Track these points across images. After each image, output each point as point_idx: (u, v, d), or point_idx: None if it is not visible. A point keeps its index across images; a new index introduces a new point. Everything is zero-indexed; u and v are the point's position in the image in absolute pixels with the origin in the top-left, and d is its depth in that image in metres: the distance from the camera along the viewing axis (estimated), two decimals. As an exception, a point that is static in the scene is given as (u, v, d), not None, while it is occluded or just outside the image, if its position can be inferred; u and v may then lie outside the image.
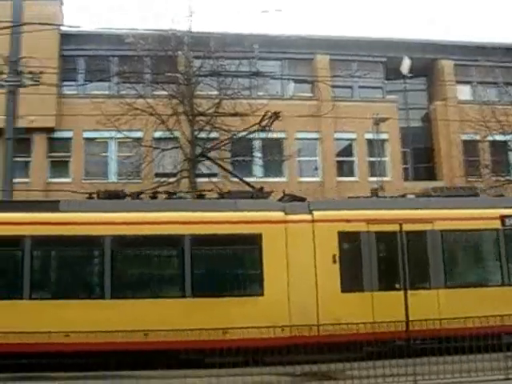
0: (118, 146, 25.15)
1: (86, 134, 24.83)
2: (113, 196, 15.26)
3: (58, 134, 24.84)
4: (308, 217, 14.90)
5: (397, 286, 14.98)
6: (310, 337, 13.52)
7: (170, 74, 23.38)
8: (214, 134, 23.64)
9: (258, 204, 15.19)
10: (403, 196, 17.00)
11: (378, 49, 27.64)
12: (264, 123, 18.45)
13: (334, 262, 14.74)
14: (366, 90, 27.98)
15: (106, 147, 25.26)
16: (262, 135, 24.91)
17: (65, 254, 14.41)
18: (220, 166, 20.38)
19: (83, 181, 23.61)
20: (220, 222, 14.52)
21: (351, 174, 27.03)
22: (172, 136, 23.09)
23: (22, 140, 22.29)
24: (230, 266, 15.09)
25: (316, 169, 26.75)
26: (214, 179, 23.38)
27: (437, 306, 14.67)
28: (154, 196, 15.73)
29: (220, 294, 14.17)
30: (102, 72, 24.84)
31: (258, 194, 15.95)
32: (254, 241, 14.62)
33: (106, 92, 25.20)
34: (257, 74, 22.68)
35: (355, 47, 27.47)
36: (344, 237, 14.96)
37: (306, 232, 14.75)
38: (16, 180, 20.53)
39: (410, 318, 14.23)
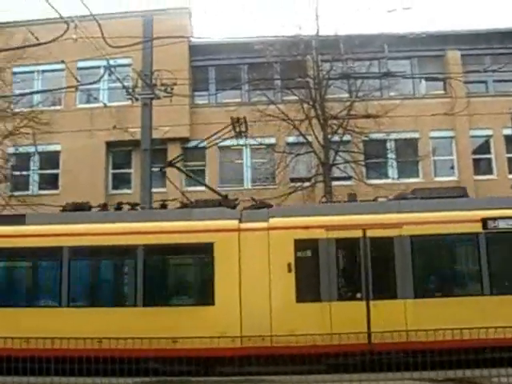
0: (251, 153, 25.51)
1: (221, 142, 25.29)
2: (78, 208, 15.59)
3: (192, 144, 25.56)
4: (263, 224, 14.41)
5: (358, 295, 14.06)
6: (263, 348, 13.14)
7: (299, 79, 23.42)
8: (346, 137, 23.48)
9: (213, 213, 14.81)
10: (375, 200, 15.74)
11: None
12: (237, 130, 17.92)
13: (290, 270, 14.15)
14: (502, 84, 26.74)
15: (240, 154, 25.68)
16: (393, 136, 24.81)
17: (30, 265, 15.01)
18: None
19: (219, 188, 24.10)
20: (173, 231, 14.45)
21: (489, 171, 25.91)
22: (305, 141, 23.13)
23: (158, 151, 23.17)
24: (182, 275, 15.29)
25: (452, 168, 25.89)
26: (349, 182, 23.29)
27: (404, 317, 13.67)
28: (118, 207, 15.80)
29: (171, 304, 14.21)
30: (233, 80, 25.35)
31: (224, 202, 15.61)
32: (207, 250, 14.36)
33: (238, 100, 25.63)
34: (388, 74, 22.26)
35: (487, 40, 26.36)
36: (301, 244, 14.26)
37: (261, 240, 14.26)
38: (154, 190, 21.33)
39: (373, 330, 13.44)
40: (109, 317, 13.82)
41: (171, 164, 18.14)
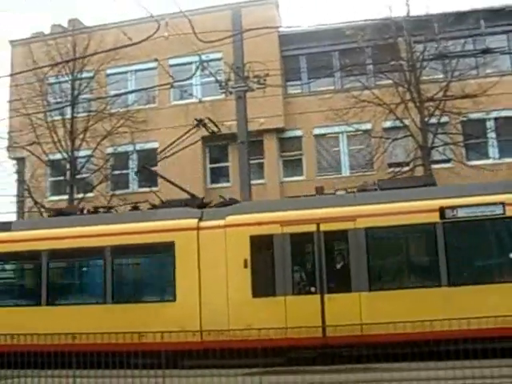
0: (348, 140, 25.19)
1: (316, 131, 25.19)
2: (60, 213, 17.09)
3: (287, 134, 25.48)
4: (221, 222, 14.71)
5: (312, 289, 14.05)
6: (221, 341, 13.47)
7: (393, 63, 22.96)
8: (444, 119, 22.84)
9: (175, 212, 15.34)
10: (334, 193, 15.69)
11: None
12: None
13: (246, 266, 14.38)
14: None
15: (337, 142, 25.37)
16: (493, 114, 23.92)
17: (15, 268, 16.57)
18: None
19: (317, 177, 24.00)
20: (137, 232, 15.15)
21: None
22: (402, 125, 22.65)
23: (254, 142, 23.28)
24: (146, 273, 15.79)
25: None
26: (449, 165, 22.74)
27: (358, 310, 13.50)
28: (94, 211, 16.86)
29: (137, 300, 14.92)
30: (325, 68, 25.05)
31: (189, 201, 16.18)
32: (168, 249, 14.90)
33: (331, 87, 25.31)
34: (486, 51, 21.41)
35: None
36: (256, 240, 14.44)
37: (218, 238, 14.60)
38: (253, 182, 21.45)
39: (327, 324, 13.46)
40: (81, 314, 14.93)
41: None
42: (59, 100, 25.37)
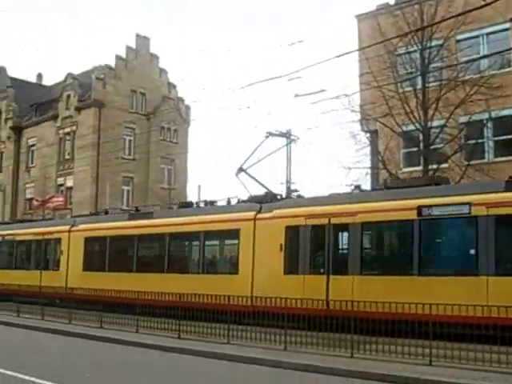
0: None
1: None
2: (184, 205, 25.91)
3: None
4: (269, 215, 20.16)
5: (321, 271, 18.33)
6: (263, 306, 16.80)
7: None
8: None
9: (244, 206, 21.70)
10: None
11: None
12: None
13: (281, 250, 19.23)
14: None
15: None
16: None
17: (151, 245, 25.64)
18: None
19: None
20: (218, 221, 21.58)
21: None
22: None
23: None
24: (222, 253, 23.16)
25: None
26: None
27: (351, 290, 16.90)
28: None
29: (215, 272, 22.30)
30: None
31: (254, 198, 22.00)
32: (235, 234, 21.03)
33: None
34: None
35: None
36: (289, 230, 19.23)
37: (267, 227, 19.98)
38: None
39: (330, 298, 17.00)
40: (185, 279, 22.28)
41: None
42: (410, 70, 25.00)
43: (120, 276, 24.62)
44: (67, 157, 51.82)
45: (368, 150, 26.34)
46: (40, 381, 11.12)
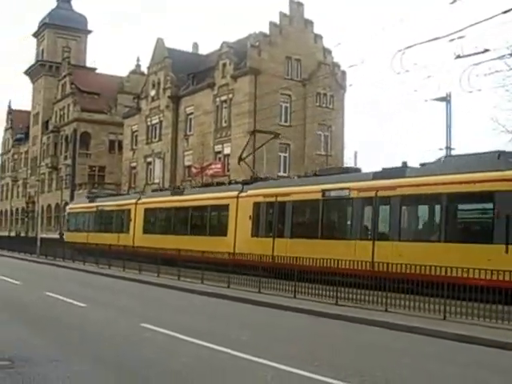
0: None
1: None
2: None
3: None
4: (245, 194, 27.93)
5: (270, 234, 26.08)
6: (241, 259, 23.89)
7: None
8: None
9: (232, 187, 30.13)
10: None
11: None
12: None
13: (250, 219, 27.00)
14: None
15: None
16: None
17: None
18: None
19: None
20: (212, 198, 30.58)
21: None
22: None
23: None
24: (217, 220, 31.24)
25: None
26: None
27: (285, 248, 24.03)
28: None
29: (211, 234, 30.14)
30: None
31: (236, 181, 32.19)
32: (226, 208, 28.89)
33: None
34: None
35: None
36: (255, 206, 27.03)
37: (243, 203, 27.78)
38: None
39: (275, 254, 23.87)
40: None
41: None
42: None
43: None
44: (224, 124, 52.41)
45: None
46: (199, 341, 11.57)
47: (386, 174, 21.47)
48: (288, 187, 26.10)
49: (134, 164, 65.45)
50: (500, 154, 18.12)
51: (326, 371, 9.27)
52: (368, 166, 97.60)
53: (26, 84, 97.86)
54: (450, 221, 19.32)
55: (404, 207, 21.00)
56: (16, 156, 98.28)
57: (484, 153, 18.94)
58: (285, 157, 51.12)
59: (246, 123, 49.04)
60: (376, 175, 21.89)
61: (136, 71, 75.52)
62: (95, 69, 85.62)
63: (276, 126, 48.34)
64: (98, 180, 72.80)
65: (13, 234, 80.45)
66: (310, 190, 24.23)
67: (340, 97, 54.12)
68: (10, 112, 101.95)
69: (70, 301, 17.71)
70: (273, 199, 25.88)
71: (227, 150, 51.68)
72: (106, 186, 67.31)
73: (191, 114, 56.66)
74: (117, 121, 71.52)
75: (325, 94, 53.08)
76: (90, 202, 43.87)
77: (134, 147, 65.55)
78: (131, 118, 66.54)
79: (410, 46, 17.77)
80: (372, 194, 21.30)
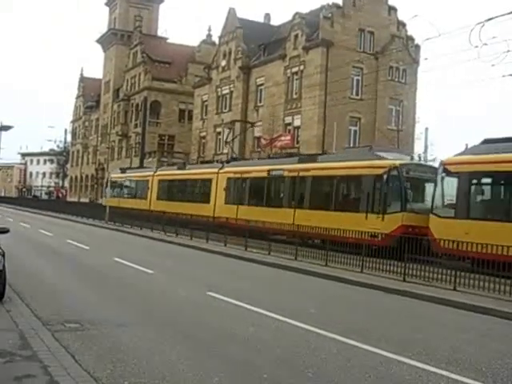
0: None
1: None
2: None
3: None
4: (222, 171, 37.53)
5: (244, 202, 34.87)
6: (221, 222, 34.19)
7: None
8: None
9: (215, 165, 41.21)
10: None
11: None
12: None
13: (224, 190, 36.46)
14: None
15: None
16: None
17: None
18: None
19: None
20: (200, 173, 41.35)
21: None
22: None
23: None
24: (202, 191, 41.02)
25: None
26: None
27: (260, 215, 31.84)
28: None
29: (199, 201, 39.78)
30: None
31: (218, 162, 43.39)
32: (210, 181, 38.39)
33: None
34: None
35: None
36: (228, 180, 36.30)
37: (220, 177, 37.03)
38: None
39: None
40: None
41: None
42: None
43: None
44: (295, 96, 52.35)
45: None
46: (265, 312, 11.85)
47: (305, 159, 31.60)
48: (249, 167, 36.13)
49: (203, 133, 66.18)
50: (371, 147, 28.42)
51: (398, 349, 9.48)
52: (442, 141, 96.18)
53: (98, 52, 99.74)
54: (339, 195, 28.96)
55: (315, 184, 29.71)
56: (87, 123, 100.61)
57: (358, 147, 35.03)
58: (355, 130, 50.82)
59: (316, 95, 48.94)
60: (300, 160, 31.91)
61: (207, 41, 76.13)
62: (166, 38, 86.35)
63: (347, 99, 48.28)
64: (167, 149, 74.02)
65: (83, 200, 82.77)
66: (260, 170, 33.96)
67: (413, 70, 53.23)
68: (82, 80, 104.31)
69: (138, 267, 18.34)
70: (239, 175, 35.43)
71: (297, 122, 51.69)
72: (175, 154, 68.51)
73: (262, 84, 56.75)
74: (187, 90, 72.28)
75: (397, 68, 52.34)
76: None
77: (204, 117, 66.22)
78: (202, 87, 67.16)
79: (489, 19, 17.57)
80: (295, 174, 30.64)
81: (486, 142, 20.99)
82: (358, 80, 51.10)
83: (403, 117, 52.03)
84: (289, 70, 53.19)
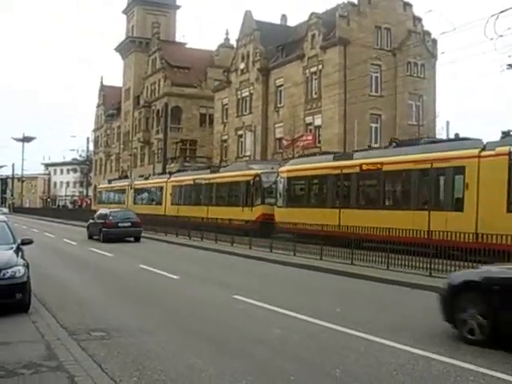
0: None
1: None
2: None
3: None
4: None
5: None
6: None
7: None
8: None
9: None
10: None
11: None
12: None
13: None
14: None
15: None
16: None
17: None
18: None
19: None
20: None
21: None
22: None
23: None
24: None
25: None
26: None
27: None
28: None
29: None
30: None
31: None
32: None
33: None
34: None
35: None
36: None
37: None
38: None
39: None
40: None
41: None
42: None
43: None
44: (314, 96, 52.54)
45: None
46: (292, 313, 11.95)
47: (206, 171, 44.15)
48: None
49: (225, 137, 66.56)
50: (246, 162, 42.84)
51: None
52: (463, 135, 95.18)
53: (117, 61, 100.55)
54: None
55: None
56: (108, 131, 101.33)
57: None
58: (376, 127, 50.88)
59: (336, 94, 49.06)
60: (212, 171, 43.46)
61: (225, 44, 76.48)
62: (185, 43, 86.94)
63: (366, 96, 48.32)
64: (189, 153, 74.50)
65: (108, 207, 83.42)
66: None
67: (431, 65, 53.18)
68: (102, 88, 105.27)
69: (164, 273, 18.53)
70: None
71: (318, 122, 51.88)
72: (197, 159, 68.93)
73: (281, 85, 56.99)
74: (207, 94, 72.67)
75: (415, 63, 52.32)
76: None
77: (225, 120, 66.60)
78: (221, 91, 67.54)
79: (503, 11, 17.66)
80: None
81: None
82: (376, 77, 51.15)
83: (423, 112, 51.98)
84: (307, 70, 53.38)
